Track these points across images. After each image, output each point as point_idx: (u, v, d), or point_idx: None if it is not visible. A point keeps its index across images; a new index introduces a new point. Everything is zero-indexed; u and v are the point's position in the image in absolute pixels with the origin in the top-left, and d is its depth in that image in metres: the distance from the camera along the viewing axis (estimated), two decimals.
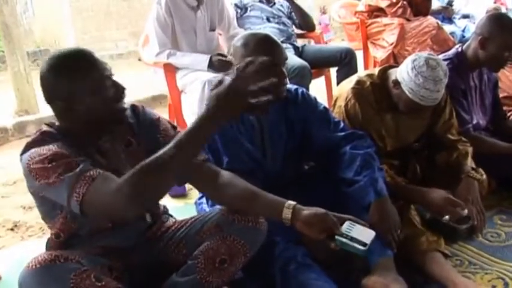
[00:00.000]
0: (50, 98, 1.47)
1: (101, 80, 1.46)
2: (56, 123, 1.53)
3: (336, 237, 1.46)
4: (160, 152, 1.27)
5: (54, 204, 1.47)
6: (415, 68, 1.97)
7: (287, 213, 1.52)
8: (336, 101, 2.22)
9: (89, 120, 1.48)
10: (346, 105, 2.12)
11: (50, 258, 1.34)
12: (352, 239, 1.46)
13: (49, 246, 1.59)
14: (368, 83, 2.15)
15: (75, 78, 1.43)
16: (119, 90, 1.50)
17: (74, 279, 1.31)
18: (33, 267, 1.33)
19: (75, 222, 1.53)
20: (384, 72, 2.17)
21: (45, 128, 1.51)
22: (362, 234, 1.48)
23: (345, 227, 1.49)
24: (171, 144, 1.27)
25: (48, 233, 2.51)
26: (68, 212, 1.48)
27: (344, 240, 1.46)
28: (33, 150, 1.41)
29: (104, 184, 1.31)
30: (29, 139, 1.47)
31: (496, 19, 2.39)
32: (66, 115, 1.48)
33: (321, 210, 1.52)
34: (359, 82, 2.16)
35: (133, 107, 1.67)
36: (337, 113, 2.15)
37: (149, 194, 1.30)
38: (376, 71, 2.21)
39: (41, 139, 1.45)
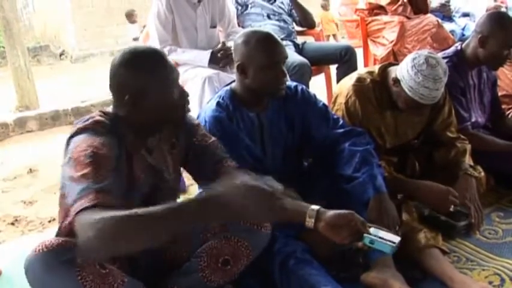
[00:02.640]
0: (117, 89, 1.49)
1: (171, 81, 1.49)
2: (110, 111, 1.53)
3: (365, 235, 1.47)
4: (154, 208, 1.22)
5: None
6: (415, 66, 1.98)
7: (311, 216, 1.48)
8: (336, 98, 2.23)
9: (150, 118, 1.50)
10: (346, 102, 2.14)
11: (56, 243, 1.35)
12: (380, 238, 1.48)
13: (60, 230, 1.56)
14: (368, 80, 2.16)
15: (148, 74, 1.46)
16: (184, 96, 1.54)
17: (79, 264, 1.32)
18: (40, 251, 1.34)
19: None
20: (384, 70, 2.18)
21: (98, 117, 1.50)
22: (388, 236, 1.50)
23: (371, 230, 1.50)
24: (166, 207, 1.23)
25: (48, 228, 2.56)
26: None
27: (373, 237, 1.47)
28: (82, 136, 1.41)
29: (98, 212, 1.23)
30: (79, 124, 1.46)
31: (496, 17, 2.40)
32: (130, 107, 1.48)
33: (346, 211, 1.49)
34: (359, 79, 2.17)
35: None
36: (337, 110, 2.17)
37: (119, 242, 1.21)
38: (376, 68, 2.22)
39: (93, 128, 1.45)
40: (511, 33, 2.34)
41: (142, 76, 1.45)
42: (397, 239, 1.50)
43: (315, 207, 1.50)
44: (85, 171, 1.32)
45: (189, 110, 1.59)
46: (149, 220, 1.21)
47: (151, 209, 1.21)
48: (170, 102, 1.49)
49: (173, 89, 1.50)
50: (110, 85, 1.51)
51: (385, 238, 1.49)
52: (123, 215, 1.20)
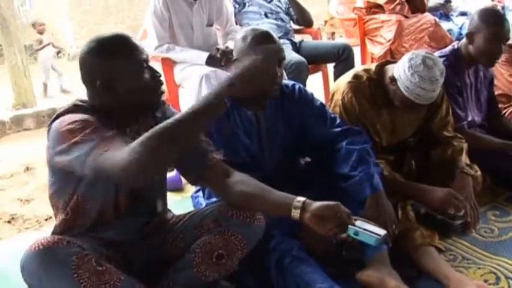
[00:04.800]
0: (89, 78, 1.50)
1: (139, 62, 1.50)
2: (87, 101, 1.55)
3: (350, 226, 1.45)
4: (171, 119, 1.31)
5: (69, 181, 1.49)
6: (411, 66, 1.97)
7: (296, 207, 1.47)
8: (333, 95, 2.24)
9: (126, 103, 1.51)
10: (343, 98, 2.14)
11: (52, 241, 1.36)
12: (365, 230, 1.46)
13: (57, 227, 1.58)
14: (365, 77, 2.16)
15: (116, 58, 1.47)
16: (156, 77, 1.55)
17: (75, 262, 1.32)
18: (36, 248, 1.34)
19: (87, 200, 1.53)
20: (380, 68, 2.18)
21: (78, 102, 1.53)
22: (374, 229, 1.48)
23: (358, 222, 1.49)
24: (182, 113, 1.33)
25: (44, 226, 2.55)
26: (80, 191, 1.50)
27: (358, 229, 1.45)
28: (65, 116, 1.43)
29: (121, 147, 1.31)
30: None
31: (482, 13, 2.41)
32: (103, 95, 1.49)
33: (332, 202, 1.48)
34: (356, 76, 2.17)
35: (162, 102, 1.69)
36: (334, 107, 2.17)
37: (157, 158, 1.29)
38: (373, 66, 2.22)
39: (73, 110, 1.48)
40: (494, 27, 2.34)
41: (110, 61, 1.47)
42: (382, 231, 1.47)
43: (301, 198, 1.49)
44: (81, 134, 1.35)
45: (162, 92, 1.59)
46: (178, 127, 1.30)
47: (172, 119, 1.31)
48: (141, 84, 1.50)
49: (142, 70, 1.50)
50: (81, 76, 1.52)
51: (371, 230, 1.46)
52: (151, 134, 1.28)
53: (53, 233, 1.58)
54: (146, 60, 1.52)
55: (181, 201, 2.52)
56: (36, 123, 4.77)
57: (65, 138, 1.37)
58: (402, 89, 2.01)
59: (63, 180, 1.51)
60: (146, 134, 1.29)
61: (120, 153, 1.28)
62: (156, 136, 1.28)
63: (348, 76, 2.21)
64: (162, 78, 1.61)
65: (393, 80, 2.06)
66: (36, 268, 1.33)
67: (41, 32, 7.90)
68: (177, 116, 1.32)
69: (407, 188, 2.09)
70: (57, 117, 1.47)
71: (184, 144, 1.33)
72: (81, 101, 1.54)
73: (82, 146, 1.33)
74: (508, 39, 2.38)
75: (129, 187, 1.51)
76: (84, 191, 1.51)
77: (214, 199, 1.78)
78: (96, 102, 1.52)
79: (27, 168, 3.48)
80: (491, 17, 2.36)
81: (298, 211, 1.47)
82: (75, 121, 1.39)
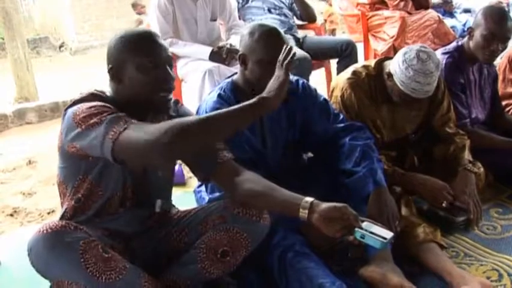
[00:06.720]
0: (106, 62, 1.56)
1: (149, 60, 1.52)
2: (105, 92, 1.59)
3: (356, 229, 1.46)
4: (209, 114, 1.44)
5: (79, 167, 1.51)
6: (405, 61, 1.98)
7: (304, 207, 1.48)
8: (332, 91, 2.24)
9: (131, 98, 1.53)
10: (342, 95, 2.15)
11: (61, 225, 1.37)
12: (371, 233, 1.47)
13: (65, 212, 1.58)
14: (364, 74, 2.17)
15: (127, 49, 1.52)
16: (165, 79, 1.54)
17: (82, 247, 1.33)
18: (45, 232, 1.35)
19: (99, 186, 1.55)
20: (379, 64, 2.19)
21: (95, 91, 1.57)
22: (381, 231, 1.49)
23: (364, 224, 1.49)
24: (222, 110, 1.44)
25: (47, 219, 2.56)
26: (92, 176, 1.52)
27: (364, 232, 1.46)
28: (81, 104, 1.47)
29: (141, 128, 1.35)
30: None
31: (485, 9, 2.41)
32: (112, 82, 1.56)
33: (339, 204, 1.48)
34: (355, 73, 2.18)
35: (176, 102, 1.71)
36: (333, 103, 2.17)
37: (186, 146, 1.36)
38: (372, 62, 2.23)
39: (90, 98, 1.51)
40: (492, 24, 2.32)
41: (125, 49, 1.52)
42: (389, 234, 1.48)
43: (309, 199, 1.49)
44: (100, 115, 1.39)
45: (169, 99, 1.59)
46: (219, 117, 1.42)
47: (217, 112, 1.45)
48: (149, 79, 1.51)
49: (152, 67, 1.52)
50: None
51: (377, 233, 1.47)
52: (185, 120, 1.38)
53: (61, 218, 1.58)
54: (164, 61, 1.54)
55: (184, 196, 2.52)
56: (38, 117, 4.77)
57: (81, 122, 1.40)
58: (398, 84, 2.02)
59: (74, 165, 1.52)
60: (178, 121, 1.37)
61: (142, 132, 1.33)
62: (187, 123, 1.35)
63: (347, 73, 2.22)
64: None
65: (390, 75, 2.07)
66: (44, 251, 1.34)
67: (140, 13, 8.25)
68: (217, 113, 1.43)
69: (405, 178, 2.09)
70: (74, 103, 1.49)
71: (214, 137, 1.48)
72: (98, 91, 1.57)
73: (99, 126, 1.37)
74: (508, 38, 2.37)
75: (153, 167, 1.59)
76: (96, 177, 1.53)
77: (217, 194, 1.78)
78: (109, 90, 1.57)
79: (30, 162, 3.48)
80: (492, 14, 2.35)
81: (306, 211, 1.47)
82: (93, 106, 1.43)
